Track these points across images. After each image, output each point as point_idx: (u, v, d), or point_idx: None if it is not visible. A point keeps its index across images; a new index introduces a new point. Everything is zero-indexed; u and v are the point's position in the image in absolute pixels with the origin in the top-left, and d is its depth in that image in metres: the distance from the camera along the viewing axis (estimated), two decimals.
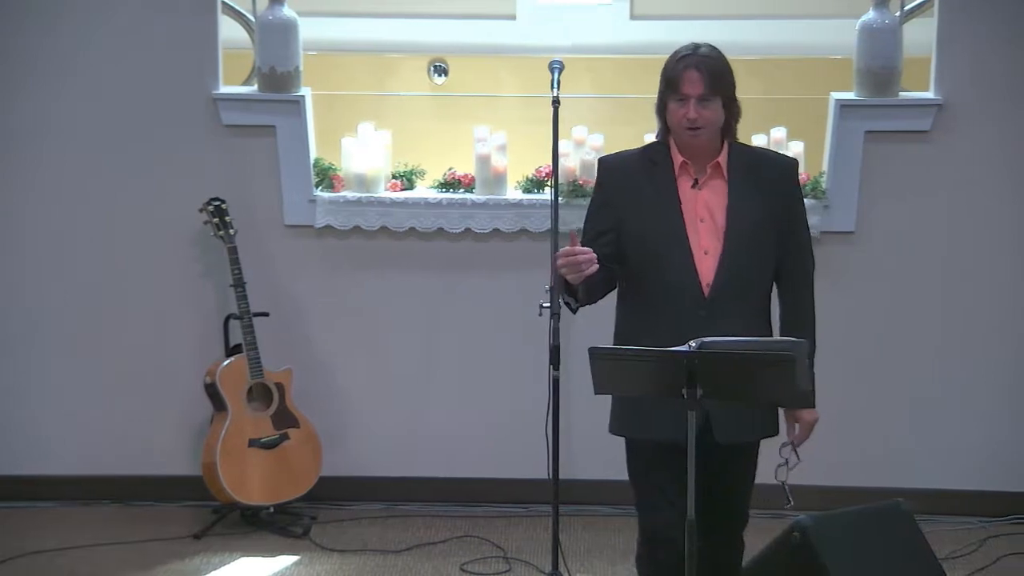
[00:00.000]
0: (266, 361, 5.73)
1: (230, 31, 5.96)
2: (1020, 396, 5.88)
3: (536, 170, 5.86)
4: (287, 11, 5.85)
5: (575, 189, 5.80)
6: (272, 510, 5.77)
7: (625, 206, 4.01)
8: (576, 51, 5.97)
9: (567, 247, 3.87)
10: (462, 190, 5.89)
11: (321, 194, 5.88)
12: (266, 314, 5.79)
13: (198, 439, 5.89)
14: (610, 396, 4.10)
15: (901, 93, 5.81)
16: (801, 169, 5.75)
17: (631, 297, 4.08)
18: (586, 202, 5.77)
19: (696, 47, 3.97)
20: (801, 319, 4.02)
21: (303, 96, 5.88)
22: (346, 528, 5.80)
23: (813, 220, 5.73)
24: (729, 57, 5.92)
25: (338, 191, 5.89)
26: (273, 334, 5.82)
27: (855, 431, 5.91)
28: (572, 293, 3.97)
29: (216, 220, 5.74)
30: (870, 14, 5.76)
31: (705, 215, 3.97)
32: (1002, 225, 5.82)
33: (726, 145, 4.02)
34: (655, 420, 3.99)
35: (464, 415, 5.99)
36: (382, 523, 5.86)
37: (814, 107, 5.89)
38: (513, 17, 6.15)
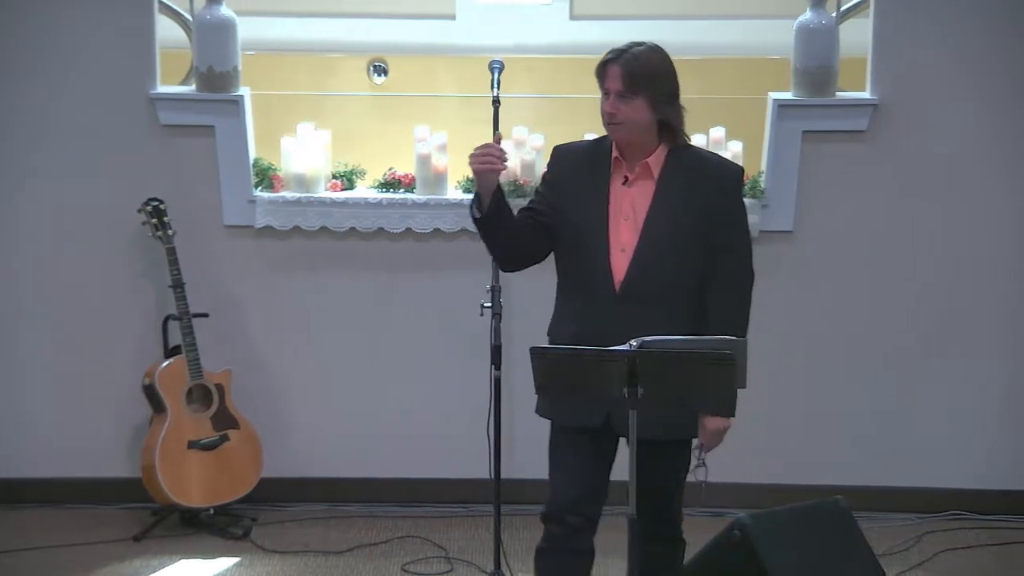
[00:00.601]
0: (206, 362, 5.70)
1: (167, 30, 5.92)
2: (957, 394, 5.94)
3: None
4: (225, 10, 5.82)
5: (516, 189, 5.81)
6: (212, 512, 5.74)
7: (562, 193, 4.10)
8: (516, 51, 5.98)
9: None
10: (402, 190, 5.89)
11: (261, 194, 5.86)
12: (206, 315, 5.76)
13: (136, 441, 5.86)
14: None
15: (838, 93, 5.85)
16: None
17: (559, 285, 4.18)
18: (526, 202, 5.82)
19: (632, 45, 4.03)
20: (723, 321, 4.03)
21: (242, 96, 5.86)
22: (287, 529, 5.78)
23: (752, 219, 5.78)
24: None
25: (278, 191, 5.87)
26: (213, 335, 5.78)
27: (792, 429, 5.96)
28: (483, 201, 4.01)
29: (154, 221, 5.71)
30: (807, 15, 5.80)
31: (629, 213, 4.03)
32: (937, 224, 5.88)
33: (664, 146, 4.05)
34: (570, 406, 4.09)
35: (405, 415, 5.98)
36: (323, 524, 5.85)
37: (752, 107, 5.93)
38: (453, 17, 6.15)
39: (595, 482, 4.13)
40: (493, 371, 4.87)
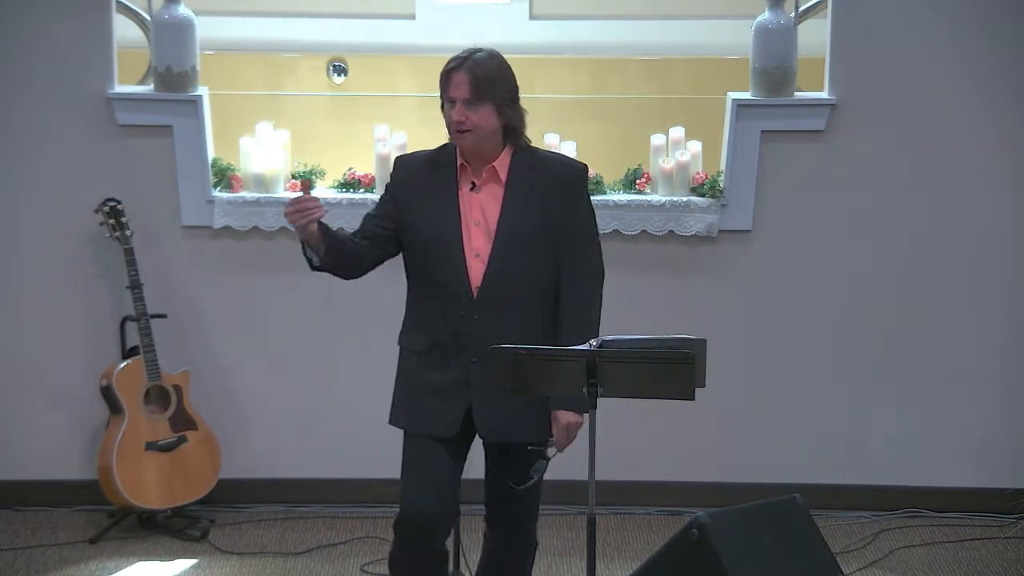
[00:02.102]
0: (164, 363, 5.68)
1: (125, 30, 5.89)
2: (912, 392, 5.97)
3: None
4: (183, 10, 5.80)
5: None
6: (169, 513, 5.71)
7: (407, 204, 4.09)
8: None
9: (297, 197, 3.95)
10: (362, 190, 5.87)
11: (219, 194, 5.83)
12: (163, 316, 5.73)
13: (93, 443, 5.82)
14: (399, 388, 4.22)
15: (796, 93, 5.87)
16: (698, 168, 5.84)
17: (411, 293, 4.16)
18: None
19: (472, 52, 4.01)
20: (572, 321, 4.07)
21: (200, 96, 5.83)
22: (245, 530, 5.75)
23: (710, 219, 5.83)
24: (627, 57, 5.99)
25: (236, 191, 5.85)
26: (171, 336, 5.76)
27: (750, 427, 5.98)
28: (314, 249, 4.01)
29: (112, 221, 5.67)
30: (765, 15, 5.81)
31: (480, 218, 4.03)
32: (895, 223, 5.91)
33: (508, 149, 4.05)
34: (424, 415, 4.10)
35: (364, 415, 5.93)
36: (281, 525, 5.83)
37: (711, 107, 5.94)
38: (412, 17, 6.13)
39: (448, 487, 4.13)
40: None
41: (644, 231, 5.86)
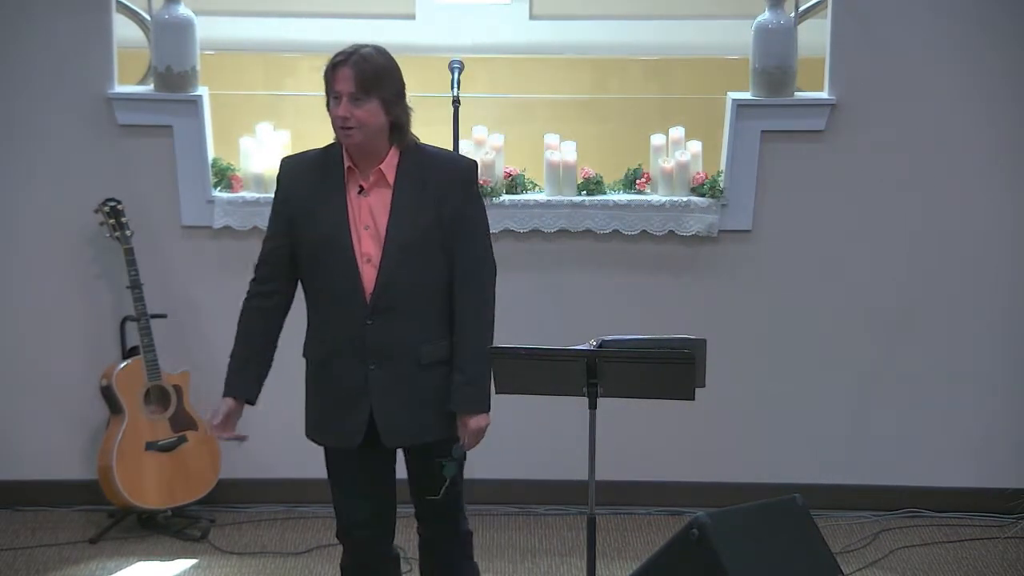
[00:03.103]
0: (164, 363, 5.68)
1: (125, 30, 5.89)
2: (913, 391, 5.97)
3: None
4: (183, 10, 5.79)
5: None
6: (170, 513, 5.71)
7: (297, 208, 4.03)
8: (476, 51, 5.96)
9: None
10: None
11: (219, 195, 5.83)
12: (163, 315, 5.73)
13: (93, 442, 5.82)
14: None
15: (796, 93, 5.87)
16: (698, 168, 5.84)
17: (308, 301, 4.11)
18: (486, 202, 5.81)
19: (358, 48, 3.95)
20: (468, 321, 4.04)
21: (200, 96, 5.83)
22: (245, 531, 5.76)
23: (710, 218, 5.83)
24: (627, 57, 5.99)
25: (236, 191, 5.85)
26: (171, 336, 5.76)
27: (750, 427, 5.98)
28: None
29: (112, 221, 5.67)
30: (765, 15, 5.81)
31: (369, 222, 3.98)
32: (895, 223, 5.91)
33: (395, 149, 4.00)
34: (331, 428, 4.09)
35: None
36: (281, 525, 5.83)
37: (711, 107, 5.94)
38: (412, 17, 6.13)
39: (377, 495, 4.13)
40: None
41: (644, 231, 5.86)
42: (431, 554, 4.28)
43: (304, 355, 4.14)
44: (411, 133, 4.03)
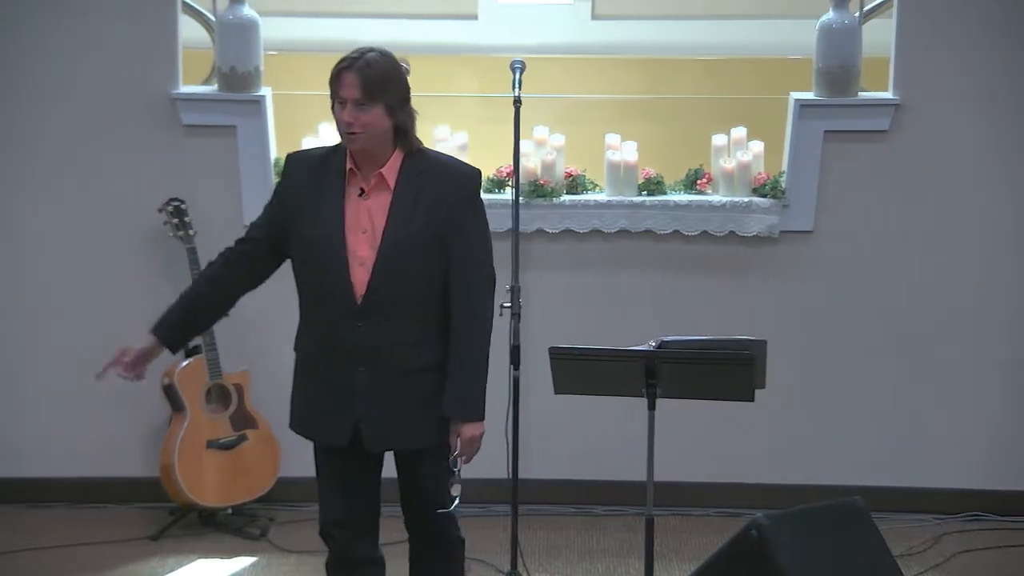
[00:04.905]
0: (225, 362, 5.71)
1: (190, 31, 5.94)
2: (976, 394, 5.91)
3: (497, 170, 5.85)
4: (248, 11, 5.84)
5: (536, 189, 5.80)
6: (229, 511, 5.75)
7: (294, 207, 4.02)
8: (538, 51, 5.97)
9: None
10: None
11: None
12: (225, 315, 5.75)
13: (154, 441, 5.87)
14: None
15: (860, 93, 5.83)
16: (760, 169, 5.81)
17: (300, 298, 4.10)
18: (546, 202, 5.85)
19: (363, 52, 3.93)
20: (463, 329, 3.98)
21: (263, 96, 5.87)
22: (304, 529, 5.77)
23: (772, 219, 5.79)
24: (688, 57, 5.97)
25: None
26: (232, 335, 5.78)
27: (810, 429, 5.94)
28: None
29: (175, 220, 5.72)
30: (830, 14, 5.78)
31: (367, 225, 3.95)
32: (958, 223, 5.85)
33: (399, 153, 3.97)
34: (316, 425, 4.06)
35: None
36: None
37: (774, 107, 5.91)
38: (475, 17, 6.15)
39: (358, 496, 4.10)
40: (512, 371, 4.87)
41: (705, 232, 5.84)
42: (419, 562, 4.24)
43: (294, 348, 4.13)
44: (416, 138, 4.01)
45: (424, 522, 4.15)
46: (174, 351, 4.20)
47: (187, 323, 4.16)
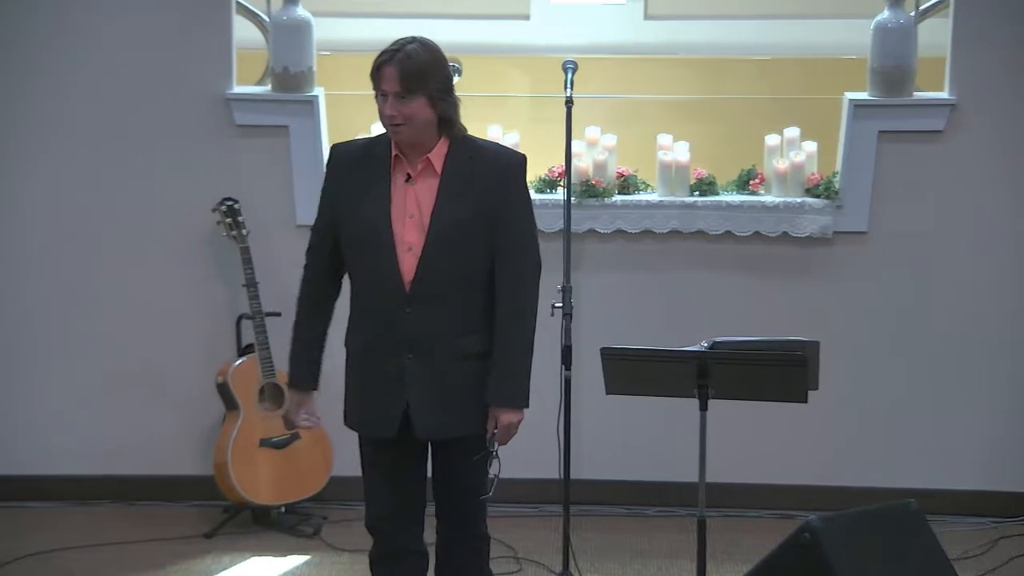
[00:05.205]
0: (278, 361, 5.73)
1: (244, 31, 5.97)
2: None
3: (549, 170, 5.85)
4: (301, 11, 5.86)
5: (588, 189, 5.80)
6: (283, 510, 5.77)
7: (341, 196, 4.04)
8: (590, 51, 5.97)
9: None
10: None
11: None
12: (278, 314, 5.77)
13: (207, 439, 5.90)
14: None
15: (915, 93, 5.79)
16: (813, 169, 5.78)
17: (351, 289, 4.11)
18: (598, 203, 5.84)
19: (403, 44, 3.93)
20: (509, 315, 3.98)
21: (316, 96, 5.89)
22: (356, 528, 5.73)
23: (825, 220, 5.76)
24: (742, 57, 5.95)
25: None
26: (285, 334, 5.74)
27: (862, 431, 5.91)
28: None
29: (229, 220, 5.75)
30: (885, 14, 5.74)
31: (414, 211, 3.96)
32: (1015, 225, 5.80)
33: (444, 140, 3.98)
34: (364, 417, 4.09)
35: None
36: None
37: (827, 107, 5.88)
38: (527, 17, 6.15)
39: (405, 489, 4.11)
40: (563, 371, 4.87)
41: (757, 232, 5.82)
42: (446, 555, 4.25)
43: (344, 344, 4.15)
44: (461, 125, 4.02)
45: (455, 512, 4.16)
46: (315, 389, 4.24)
47: (314, 359, 4.21)
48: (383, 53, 3.93)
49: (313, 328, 4.17)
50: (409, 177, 3.97)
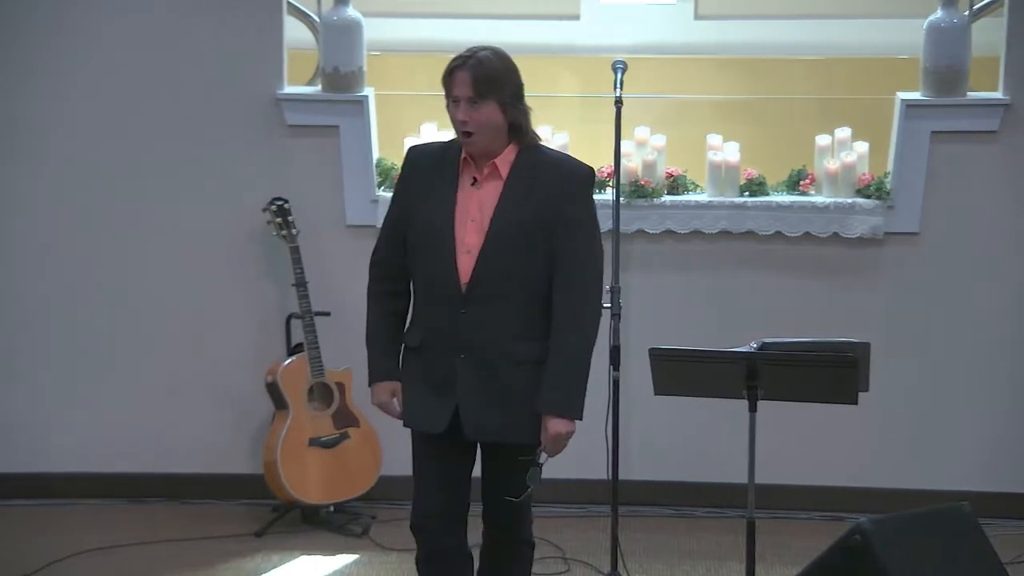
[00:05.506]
0: (327, 360, 5.75)
1: (295, 31, 5.99)
2: None
3: (598, 170, 5.82)
4: (351, 11, 5.88)
5: (637, 190, 5.79)
6: (332, 509, 5.79)
7: (411, 197, 4.08)
8: (639, 51, 5.95)
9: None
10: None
11: (383, 194, 5.89)
12: (327, 313, 5.81)
13: (257, 438, 5.93)
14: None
15: (969, 93, 5.75)
16: (864, 169, 5.74)
17: (414, 288, 4.14)
18: (647, 203, 5.83)
19: (476, 51, 3.97)
20: (562, 323, 3.96)
21: (366, 96, 5.91)
22: (405, 528, 5.73)
23: (876, 220, 5.73)
24: (793, 57, 5.92)
25: None
26: (334, 334, 5.83)
27: (913, 433, 5.87)
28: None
29: (279, 220, 5.77)
30: (938, 13, 5.71)
31: (476, 214, 3.98)
32: None
33: (513, 147, 4.00)
34: (416, 411, 4.09)
35: None
36: None
37: (879, 107, 5.85)
38: (577, 17, 6.14)
39: (452, 488, 4.11)
40: (612, 371, 4.86)
41: (807, 233, 5.79)
42: (490, 558, 4.26)
43: (404, 341, 4.16)
44: (533, 133, 4.04)
45: (500, 516, 4.17)
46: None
47: (396, 353, 4.18)
48: (456, 59, 3.99)
49: (389, 328, 4.16)
50: (475, 181, 4.01)
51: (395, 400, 4.15)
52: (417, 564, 4.23)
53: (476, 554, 4.29)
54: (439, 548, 4.15)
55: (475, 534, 4.27)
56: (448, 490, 4.11)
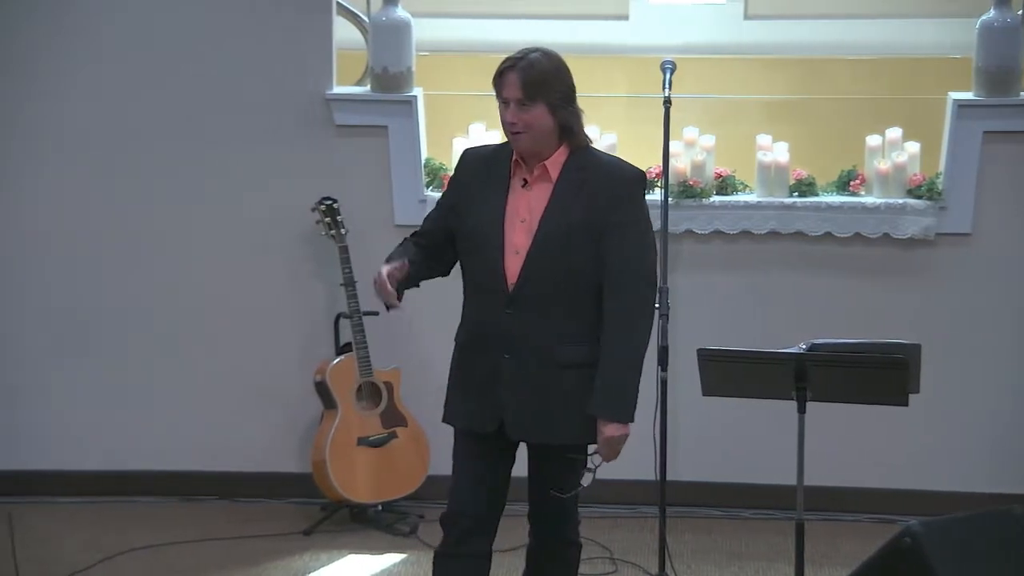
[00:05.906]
0: (375, 360, 5.77)
1: (344, 32, 6.01)
2: None
3: (646, 171, 5.81)
4: (400, 12, 5.89)
5: (685, 190, 5.77)
6: (380, 508, 5.80)
7: (465, 197, 4.08)
8: (689, 51, 5.94)
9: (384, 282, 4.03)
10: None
11: (431, 194, 5.90)
12: (376, 313, 5.81)
13: (305, 437, 5.95)
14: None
15: (1021, 93, 5.70)
16: (916, 170, 5.71)
17: (463, 288, 4.14)
18: (695, 203, 5.82)
19: (527, 52, 3.97)
20: (616, 326, 3.94)
21: (415, 96, 5.92)
22: None
23: (928, 221, 5.69)
24: (843, 57, 5.89)
25: None
26: (382, 333, 5.84)
27: (965, 435, 5.83)
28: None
29: (328, 219, 5.79)
30: (990, 13, 5.67)
31: (526, 215, 3.98)
32: None
33: (564, 149, 3.99)
34: (459, 409, 4.10)
35: None
36: None
37: (931, 107, 5.81)
38: (626, 17, 6.13)
39: (489, 489, 4.09)
40: (660, 372, 4.85)
41: (857, 233, 5.76)
42: (535, 559, 4.25)
43: (455, 339, 4.17)
44: (584, 135, 4.04)
45: (546, 517, 4.17)
46: (409, 286, 4.18)
47: (421, 266, 4.15)
48: (506, 60, 3.99)
49: (409, 247, 4.15)
50: (525, 182, 4.02)
51: (389, 278, 4.07)
52: (435, 556, 4.21)
53: (522, 555, 4.28)
54: (463, 548, 4.13)
55: (521, 534, 4.27)
56: (484, 492, 4.10)
